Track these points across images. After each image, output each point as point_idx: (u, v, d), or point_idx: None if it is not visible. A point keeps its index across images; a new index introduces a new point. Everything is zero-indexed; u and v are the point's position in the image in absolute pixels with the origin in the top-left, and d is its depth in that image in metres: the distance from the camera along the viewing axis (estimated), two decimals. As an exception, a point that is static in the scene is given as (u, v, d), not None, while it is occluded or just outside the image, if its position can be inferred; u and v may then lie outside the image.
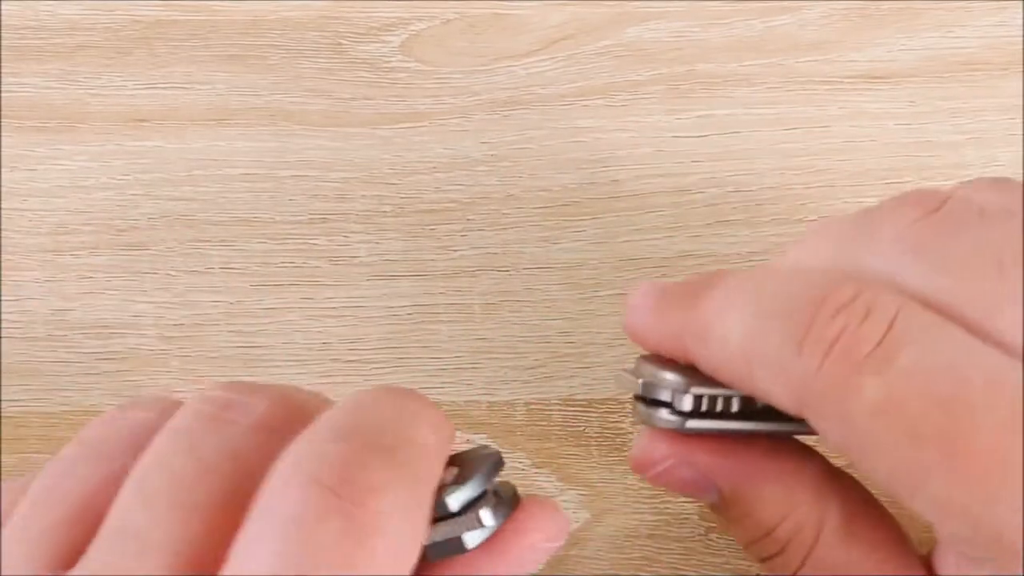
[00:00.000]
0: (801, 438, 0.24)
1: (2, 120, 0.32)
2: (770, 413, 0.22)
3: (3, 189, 0.31)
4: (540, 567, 0.27)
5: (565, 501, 0.30)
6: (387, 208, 0.31)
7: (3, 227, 0.31)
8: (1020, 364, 0.18)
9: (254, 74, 0.32)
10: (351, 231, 0.31)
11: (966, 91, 0.32)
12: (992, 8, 0.33)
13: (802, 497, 0.22)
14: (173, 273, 0.31)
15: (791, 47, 0.32)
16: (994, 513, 0.17)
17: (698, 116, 0.32)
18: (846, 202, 0.31)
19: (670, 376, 0.22)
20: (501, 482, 0.21)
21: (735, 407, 0.22)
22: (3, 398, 0.30)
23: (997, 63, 0.32)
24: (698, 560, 0.29)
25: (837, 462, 0.24)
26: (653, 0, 0.33)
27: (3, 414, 0.29)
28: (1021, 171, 0.31)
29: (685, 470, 0.23)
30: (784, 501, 0.22)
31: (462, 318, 0.30)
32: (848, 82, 0.32)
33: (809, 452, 0.23)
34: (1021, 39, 0.32)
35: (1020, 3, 0.33)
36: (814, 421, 0.19)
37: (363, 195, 0.31)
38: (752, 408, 0.22)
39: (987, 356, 0.18)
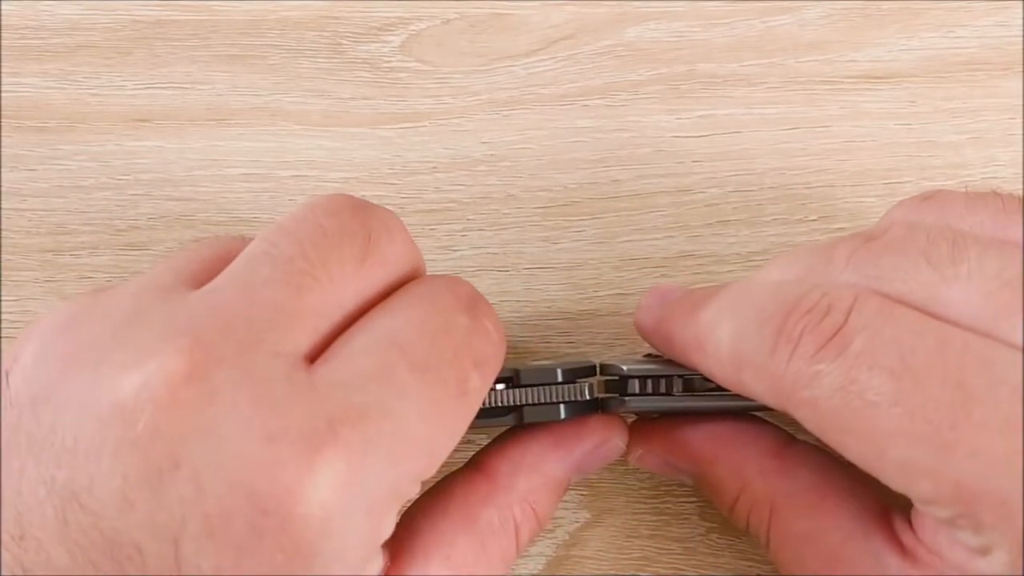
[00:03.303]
0: (764, 415, 0.26)
1: (2, 120, 0.32)
2: (713, 393, 0.25)
3: (3, 189, 0.31)
4: (541, 567, 0.28)
5: (565, 501, 0.30)
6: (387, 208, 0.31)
7: (3, 227, 0.31)
8: (963, 332, 0.20)
9: (254, 74, 0.32)
10: (351, 231, 0.31)
11: (966, 91, 0.32)
12: (992, 8, 0.33)
13: (750, 474, 0.25)
14: (173, 273, 0.31)
15: (791, 47, 0.32)
16: (950, 463, 0.19)
17: (698, 116, 0.32)
18: (846, 202, 0.31)
19: (618, 363, 0.25)
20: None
21: (678, 388, 0.25)
22: (3, 398, 0.30)
23: (997, 63, 0.32)
24: (698, 560, 0.29)
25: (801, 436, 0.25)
26: (653, 0, 0.33)
27: (3, 414, 0.29)
28: (1021, 171, 0.31)
29: (652, 459, 0.27)
30: (734, 480, 0.25)
31: (462, 318, 0.30)
32: (848, 82, 0.32)
33: (762, 431, 0.26)
34: (1021, 39, 0.32)
35: (1020, 3, 0.33)
36: (793, 414, 0.21)
37: (363, 195, 0.31)
38: (695, 389, 0.25)
39: (933, 328, 0.20)
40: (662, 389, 0.25)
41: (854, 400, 0.20)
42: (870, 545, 0.23)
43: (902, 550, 0.22)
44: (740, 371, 0.22)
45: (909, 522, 0.22)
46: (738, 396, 0.23)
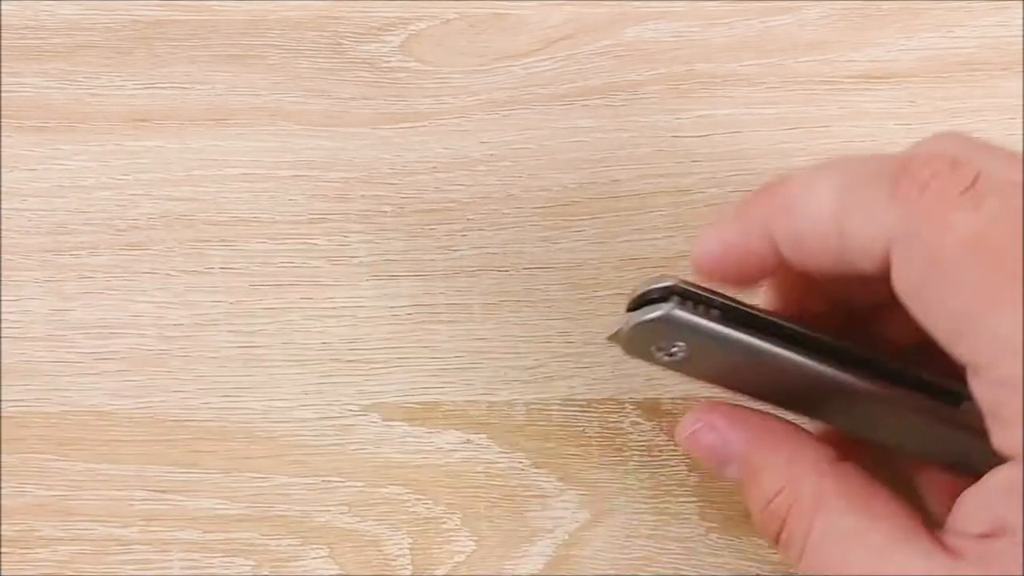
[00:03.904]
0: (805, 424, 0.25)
1: (2, 120, 0.32)
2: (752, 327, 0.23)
3: (3, 189, 0.31)
4: (541, 567, 0.28)
5: (565, 501, 0.30)
6: (387, 208, 0.31)
7: (3, 227, 0.31)
8: None
9: (254, 74, 0.32)
10: (351, 231, 0.31)
11: (966, 91, 0.32)
12: (992, 8, 0.33)
13: (803, 470, 0.24)
14: (173, 273, 0.31)
15: (791, 47, 0.32)
16: None
17: (698, 116, 0.32)
18: (846, 202, 0.31)
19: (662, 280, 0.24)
20: None
21: (715, 316, 0.23)
22: (3, 398, 0.30)
23: (997, 63, 0.32)
24: (698, 560, 0.29)
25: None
26: (653, 0, 0.33)
27: (3, 414, 0.29)
28: (1021, 171, 0.31)
29: (709, 434, 0.25)
30: (785, 470, 0.24)
31: (462, 318, 0.30)
32: (848, 82, 0.32)
33: (819, 440, 0.25)
34: (1021, 39, 0.32)
35: (1020, 3, 0.33)
36: (899, 260, 0.21)
37: (363, 195, 0.31)
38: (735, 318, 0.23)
39: None
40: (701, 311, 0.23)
41: (984, 261, 0.20)
42: (920, 543, 0.22)
43: (949, 550, 0.22)
44: (841, 225, 0.22)
45: (950, 533, 0.22)
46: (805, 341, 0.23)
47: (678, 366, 0.25)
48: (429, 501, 0.29)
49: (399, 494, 0.29)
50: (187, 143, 0.32)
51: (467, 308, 0.31)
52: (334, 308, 0.30)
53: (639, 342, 0.24)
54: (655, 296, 0.23)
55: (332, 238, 0.31)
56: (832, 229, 0.22)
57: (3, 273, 0.31)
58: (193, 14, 0.32)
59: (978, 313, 0.20)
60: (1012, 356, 0.20)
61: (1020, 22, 0.32)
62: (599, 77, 0.32)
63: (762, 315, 0.24)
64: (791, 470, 0.24)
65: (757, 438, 0.25)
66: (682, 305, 0.23)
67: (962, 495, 0.22)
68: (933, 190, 0.20)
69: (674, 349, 0.24)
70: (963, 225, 0.20)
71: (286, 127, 0.32)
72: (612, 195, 0.31)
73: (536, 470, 0.30)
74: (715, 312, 0.23)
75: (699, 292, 0.23)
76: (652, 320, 0.23)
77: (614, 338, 0.25)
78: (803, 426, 0.25)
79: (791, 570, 0.28)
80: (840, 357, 0.23)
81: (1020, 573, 0.20)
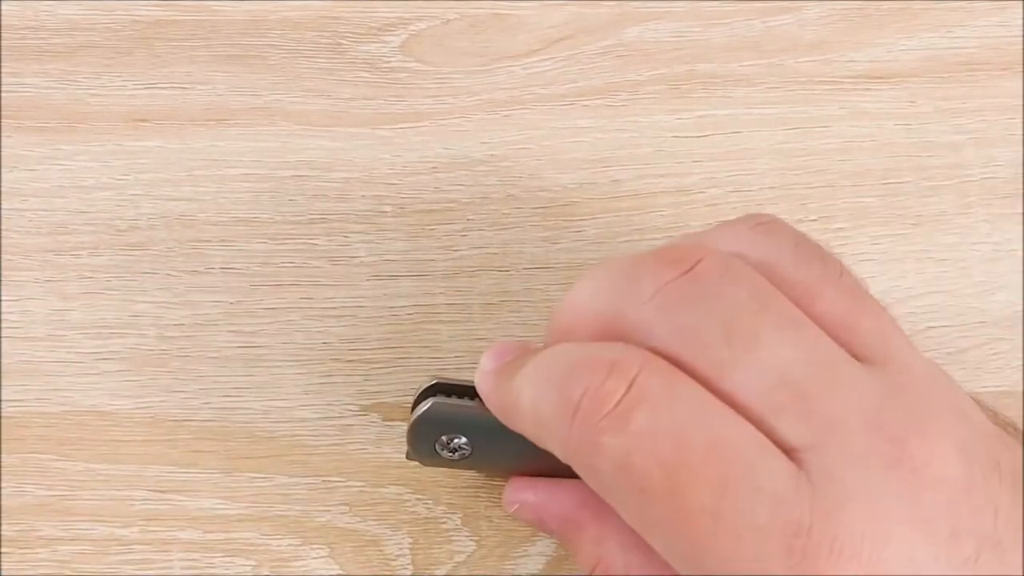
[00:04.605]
0: None
1: (2, 120, 0.32)
2: None
3: (3, 189, 0.31)
4: (541, 567, 0.28)
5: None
6: (387, 208, 0.31)
7: (3, 227, 0.31)
8: (738, 428, 0.20)
9: (254, 74, 0.32)
10: (351, 231, 0.31)
11: (966, 91, 0.32)
12: (992, 8, 0.33)
13: (611, 547, 0.25)
14: (173, 273, 0.31)
15: (791, 47, 0.32)
16: (703, 563, 0.20)
17: (698, 116, 0.32)
18: (846, 202, 0.31)
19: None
20: None
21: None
22: (3, 398, 0.30)
23: (997, 63, 0.32)
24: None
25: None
26: (654, 0, 0.33)
27: (3, 414, 0.29)
28: (1021, 171, 0.31)
29: (526, 512, 0.27)
30: (595, 549, 0.25)
31: (462, 318, 0.30)
32: (848, 82, 0.32)
33: None
34: (1021, 39, 0.32)
35: (1020, 3, 0.33)
36: (580, 475, 0.22)
37: (363, 195, 0.31)
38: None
39: (715, 417, 0.20)
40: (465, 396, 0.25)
41: (630, 484, 0.20)
42: None
43: None
44: (541, 435, 0.23)
45: None
46: None
47: (470, 463, 0.27)
48: (429, 501, 0.29)
49: (399, 494, 0.29)
50: (187, 143, 0.32)
51: (467, 308, 0.31)
52: (334, 308, 0.30)
53: (423, 445, 0.26)
54: (422, 399, 0.26)
55: (332, 238, 0.31)
56: (540, 440, 0.23)
57: (3, 273, 0.31)
58: (193, 14, 0.32)
59: (640, 532, 0.21)
60: (674, 563, 0.21)
61: (1020, 22, 0.32)
62: (600, 77, 0.32)
63: None
64: (600, 548, 0.25)
65: (565, 516, 0.26)
66: (447, 397, 0.25)
67: None
68: (583, 412, 0.21)
69: (455, 442, 0.26)
70: (610, 449, 0.20)
71: (286, 127, 0.32)
72: (612, 195, 0.31)
73: (536, 470, 0.30)
74: (479, 399, 0.25)
75: (462, 384, 0.26)
76: (422, 415, 0.25)
77: (409, 456, 0.27)
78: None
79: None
80: None
81: None
